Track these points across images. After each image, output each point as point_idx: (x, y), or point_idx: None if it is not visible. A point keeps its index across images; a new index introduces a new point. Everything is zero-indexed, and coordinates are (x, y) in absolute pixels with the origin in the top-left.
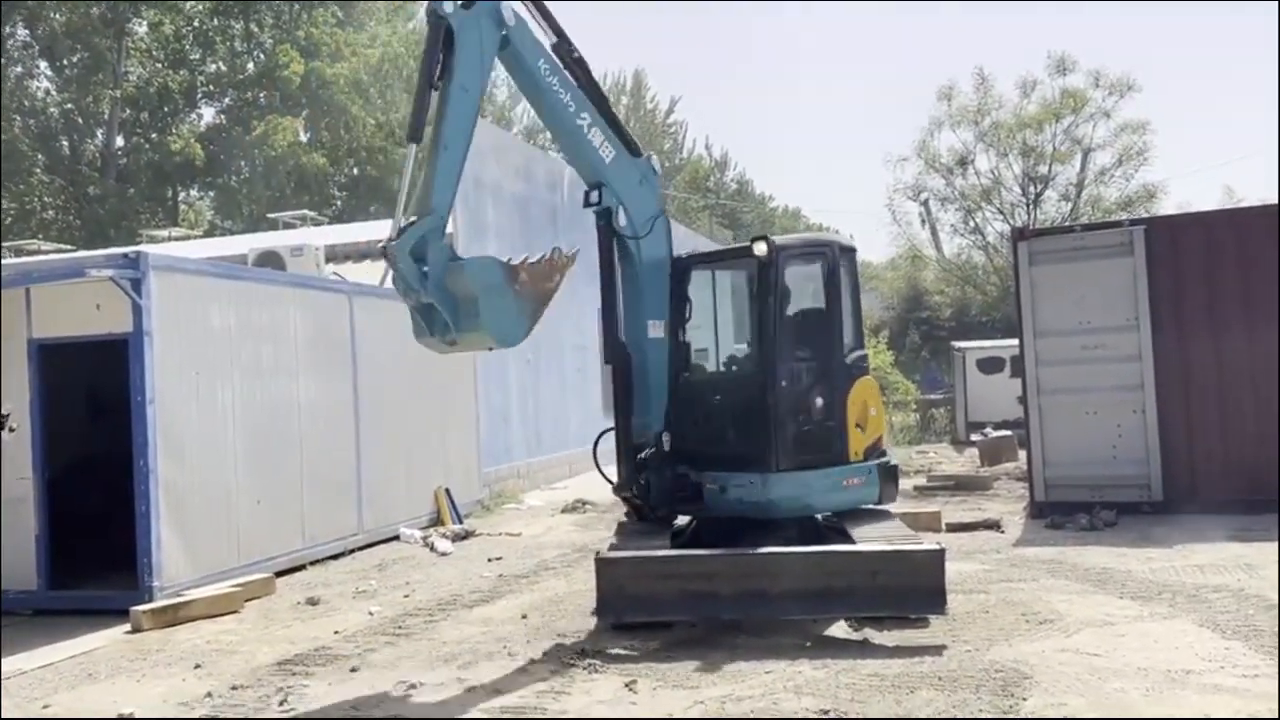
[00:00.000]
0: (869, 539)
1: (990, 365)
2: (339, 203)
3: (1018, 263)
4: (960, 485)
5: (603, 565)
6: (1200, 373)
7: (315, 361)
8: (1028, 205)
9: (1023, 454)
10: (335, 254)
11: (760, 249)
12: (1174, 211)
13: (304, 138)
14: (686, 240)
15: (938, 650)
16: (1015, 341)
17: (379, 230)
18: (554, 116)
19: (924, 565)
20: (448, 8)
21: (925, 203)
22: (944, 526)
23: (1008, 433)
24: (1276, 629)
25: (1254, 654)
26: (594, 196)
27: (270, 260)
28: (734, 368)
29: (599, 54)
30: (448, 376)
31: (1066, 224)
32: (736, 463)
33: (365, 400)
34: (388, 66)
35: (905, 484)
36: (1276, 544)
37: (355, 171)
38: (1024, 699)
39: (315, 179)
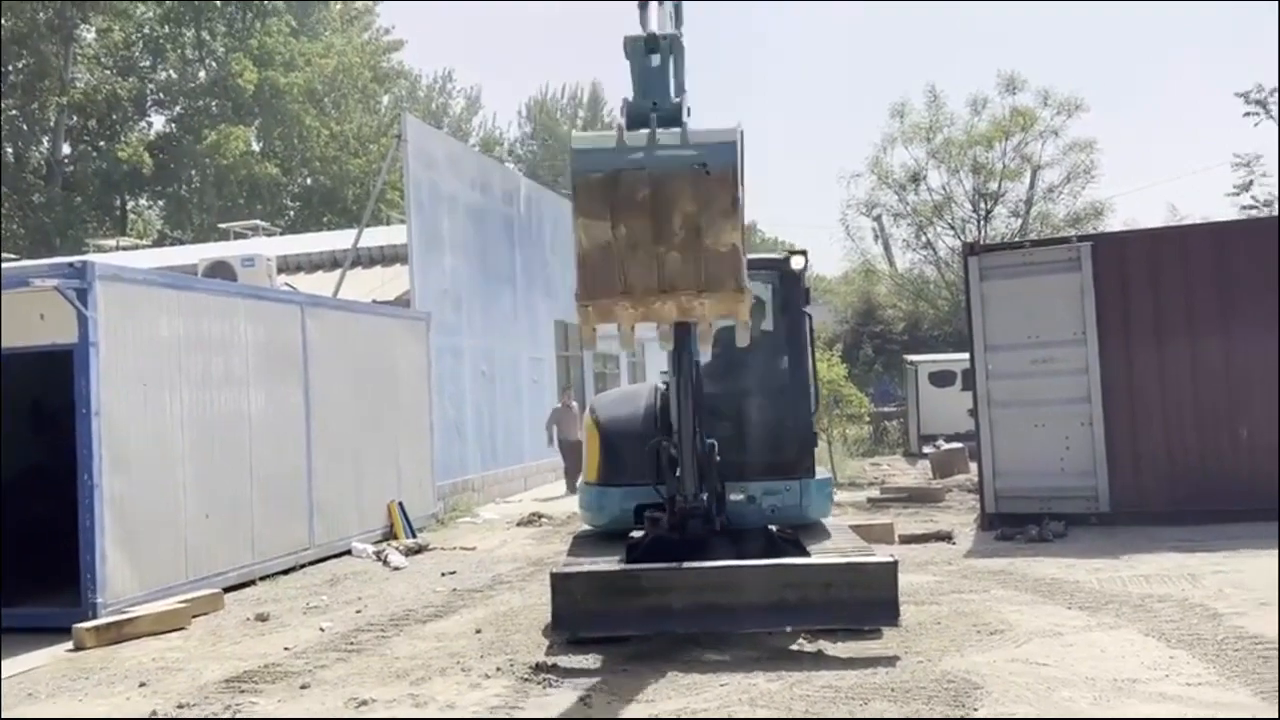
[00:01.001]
0: (823, 552)
1: (942, 378)
2: (292, 213)
3: (968, 277)
4: (913, 497)
5: (558, 580)
6: (1145, 386)
7: (266, 374)
8: (978, 221)
9: (974, 466)
10: (288, 265)
11: (798, 262)
12: (1120, 228)
13: (256, 147)
14: None
15: (891, 661)
16: (966, 355)
17: (333, 241)
18: None
19: (877, 577)
20: None
21: (878, 218)
22: (897, 538)
23: (959, 445)
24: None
25: (1197, 662)
26: None
27: (221, 271)
28: (746, 379)
29: (557, 66)
30: (401, 388)
31: (1016, 240)
32: (766, 471)
33: (317, 413)
34: (342, 77)
35: (859, 496)
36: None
37: (309, 182)
38: (975, 709)
39: (268, 189)
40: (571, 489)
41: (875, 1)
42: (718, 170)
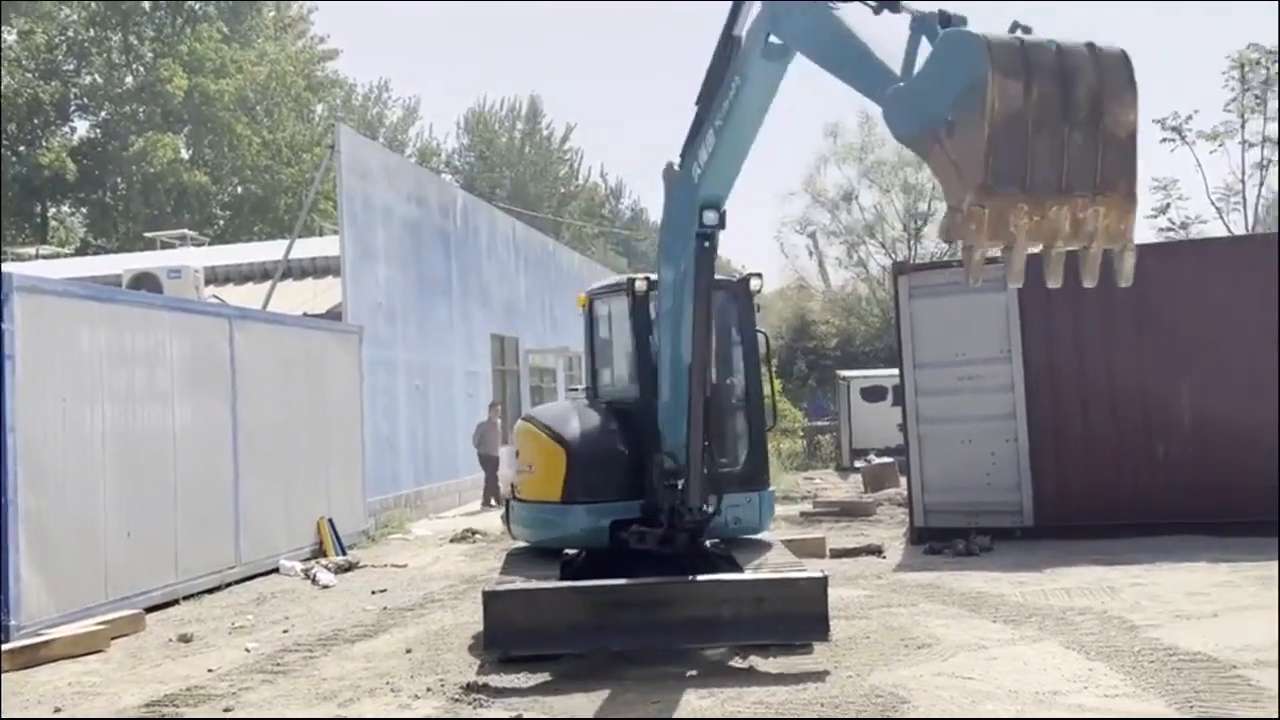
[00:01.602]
0: (756, 567)
1: (873, 394)
2: (221, 222)
3: (898, 296)
4: (845, 511)
5: (490, 598)
6: (1066, 403)
7: (192, 388)
8: (909, 240)
9: (904, 480)
10: (216, 276)
11: (756, 284)
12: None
13: (185, 155)
14: (584, 269)
15: (821, 676)
16: (897, 371)
17: (263, 252)
18: None
19: (807, 593)
20: None
21: (812, 236)
22: (829, 552)
23: (890, 460)
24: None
25: (1115, 674)
26: (710, 217)
27: (146, 282)
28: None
29: (496, 80)
30: (332, 403)
31: (945, 260)
32: (732, 483)
33: (245, 428)
34: (275, 84)
35: (793, 510)
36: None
37: (239, 190)
38: None
39: (196, 197)
40: (488, 505)
41: None
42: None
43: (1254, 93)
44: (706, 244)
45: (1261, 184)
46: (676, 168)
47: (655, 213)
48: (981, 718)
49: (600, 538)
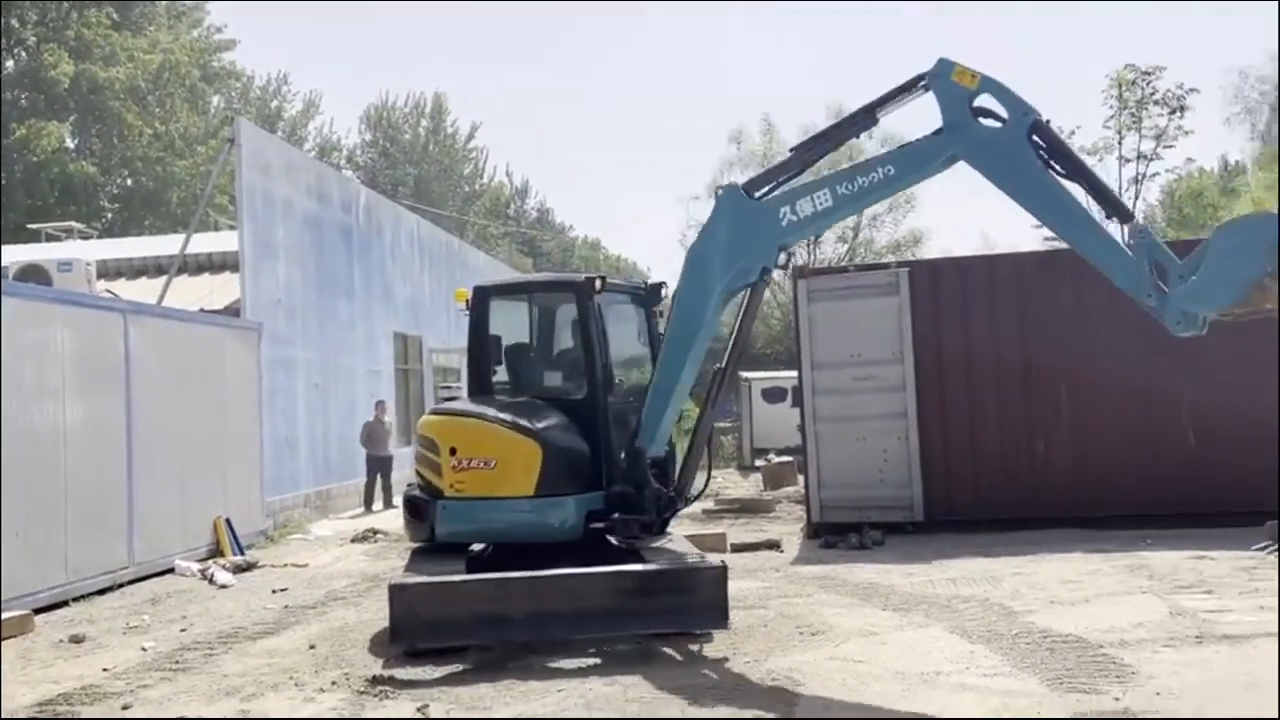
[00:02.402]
0: (657, 559)
1: (774, 395)
2: (110, 215)
3: (797, 299)
4: (745, 508)
5: (396, 591)
6: (954, 403)
7: (84, 385)
8: (808, 245)
9: (802, 478)
10: (107, 270)
11: (664, 292)
12: (936, 255)
13: (71, 144)
14: (489, 268)
15: (720, 663)
16: (796, 373)
17: (156, 246)
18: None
19: (708, 582)
20: None
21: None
22: (729, 547)
23: (789, 459)
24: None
25: (994, 655)
26: (782, 257)
27: (34, 274)
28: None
29: (400, 76)
30: (230, 401)
31: (842, 264)
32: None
33: (140, 426)
34: (168, 74)
35: (695, 507)
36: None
37: (129, 183)
38: (796, 703)
39: (83, 189)
40: (370, 508)
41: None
42: None
43: (1129, 110)
44: (767, 275)
45: (1137, 197)
46: (746, 195)
47: (561, 213)
48: (872, 712)
49: (576, 529)
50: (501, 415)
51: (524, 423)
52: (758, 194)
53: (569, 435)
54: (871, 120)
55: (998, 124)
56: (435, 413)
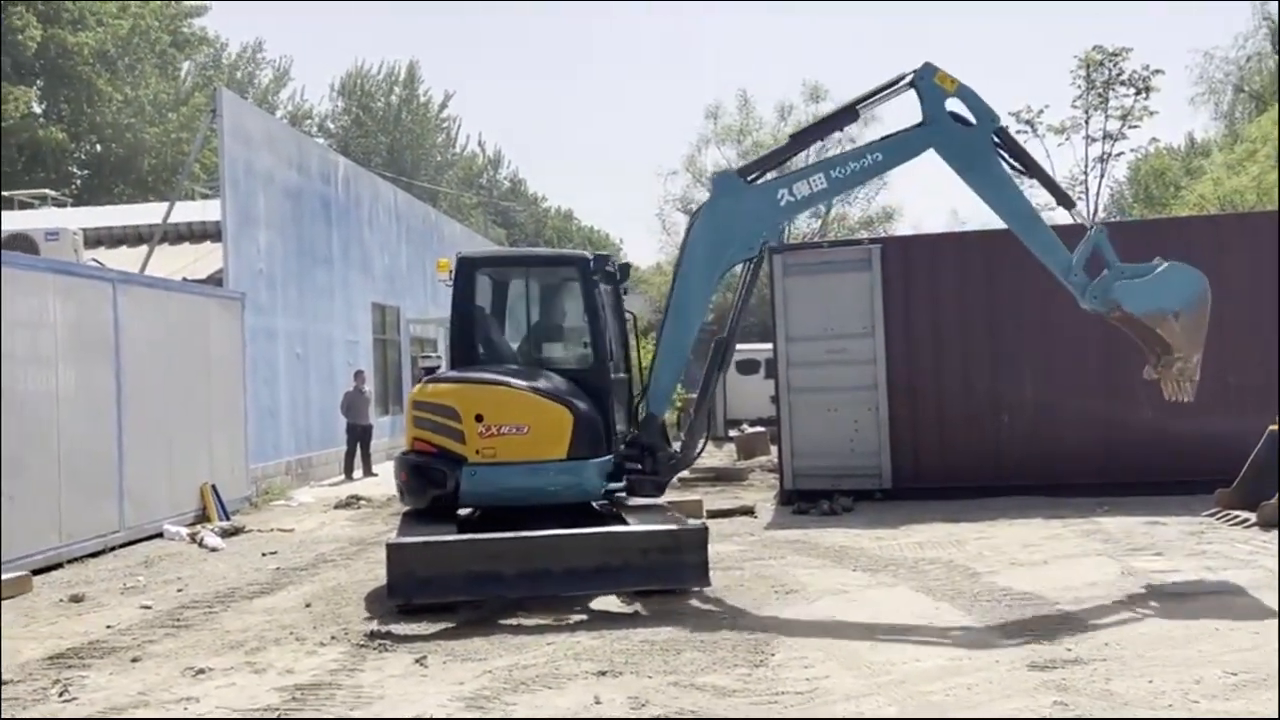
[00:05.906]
0: (643, 521)
1: (748, 367)
2: (79, 182)
3: (773, 273)
4: (720, 477)
5: (393, 550)
6: (922, 375)
7: (75, 353)
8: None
9: (775, 448)
10: (87, 239)
11: (630, 271)
12: (907, 232)
13: (39, 109)
14: (465, 239)
15: (701, 617)
16: (770, 346)
17: (135, 215)
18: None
19: (690, 542)
20: None
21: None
22: (705, 513)
23: (762, 429)
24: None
25: (957, 611)
26: (776, 231)
27: (21, 243)
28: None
29: (373, 45)
30: (214, 369)
31: (816, 240)
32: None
33: (129, 393)
34: (138, 39)
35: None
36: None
37: (98, 149)
38: (772, 654)
39: (52, 155)
40: (350, 475)
41: (693, 2)
42: None
43: (1097, 91)
44: (764, 250)
45: (1103, 175)
46: (741, 179)
47: (534, 183)
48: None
49: (599, 489)
50: (533, 383)
51: (554, 393)
52: (750, 178)
53: (587, 403)
54: (854, 115)
55: (965, 127)
56: (445, 380)
